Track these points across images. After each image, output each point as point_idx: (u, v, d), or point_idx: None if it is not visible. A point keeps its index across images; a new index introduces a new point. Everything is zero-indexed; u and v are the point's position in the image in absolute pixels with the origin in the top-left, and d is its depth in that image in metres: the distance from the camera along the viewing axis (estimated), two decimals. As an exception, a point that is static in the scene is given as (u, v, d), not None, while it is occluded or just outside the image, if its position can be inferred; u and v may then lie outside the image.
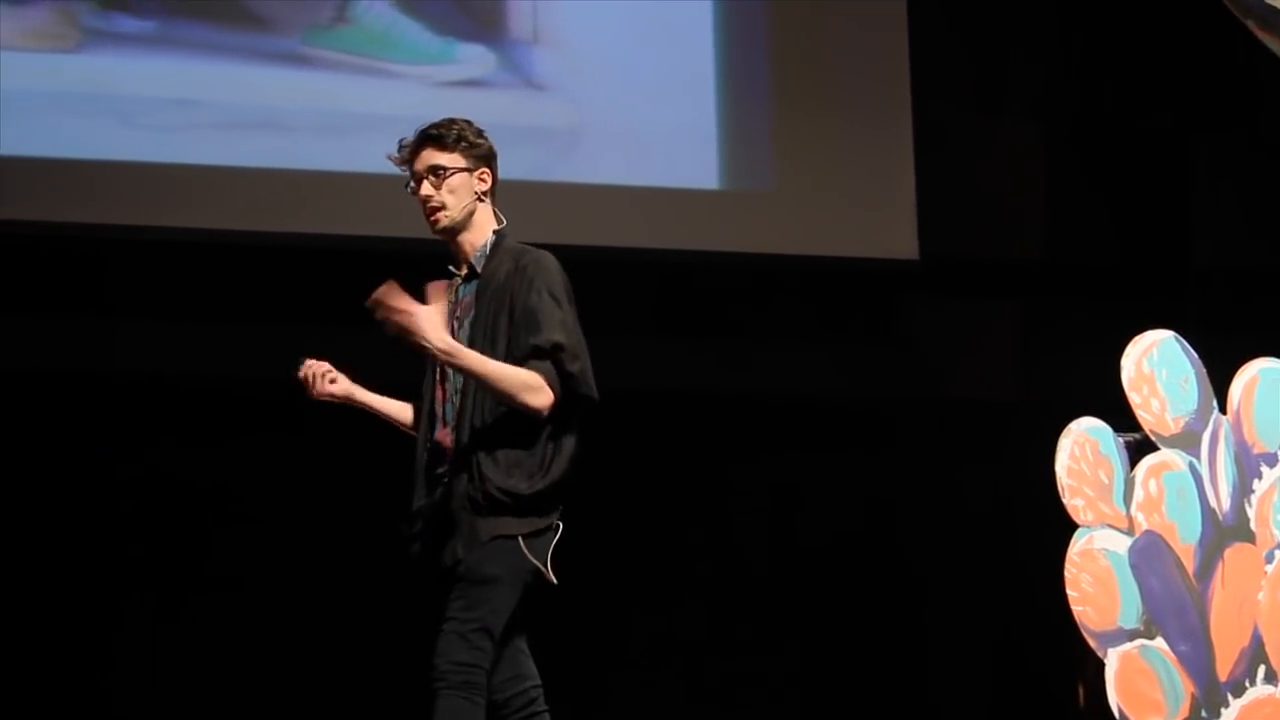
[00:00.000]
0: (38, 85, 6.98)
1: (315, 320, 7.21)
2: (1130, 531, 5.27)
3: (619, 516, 7.45)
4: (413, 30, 7.37)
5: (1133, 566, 5.25)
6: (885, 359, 7.80)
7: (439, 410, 4.75)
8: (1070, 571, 5.22)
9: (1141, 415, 5.37)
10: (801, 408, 7.56)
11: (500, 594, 4.56)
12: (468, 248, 4.82)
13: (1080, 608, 5.21)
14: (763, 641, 7.54)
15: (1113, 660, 5.20)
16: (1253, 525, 5.39)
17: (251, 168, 7.16)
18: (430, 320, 4.58)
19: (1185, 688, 5.25)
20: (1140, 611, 5.23)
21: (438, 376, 4.77)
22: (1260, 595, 5.35)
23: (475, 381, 4.63)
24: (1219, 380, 5.49)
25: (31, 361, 7.01)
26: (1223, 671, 5.29)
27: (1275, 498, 5.40)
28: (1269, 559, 5.38)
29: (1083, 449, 5.30)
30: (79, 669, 7.02)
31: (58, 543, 7.04)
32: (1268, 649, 5.33)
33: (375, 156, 7.15)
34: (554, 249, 7.23)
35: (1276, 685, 5.32)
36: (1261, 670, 5.32)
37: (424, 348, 4.58)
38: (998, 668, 7.67)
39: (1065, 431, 5.32)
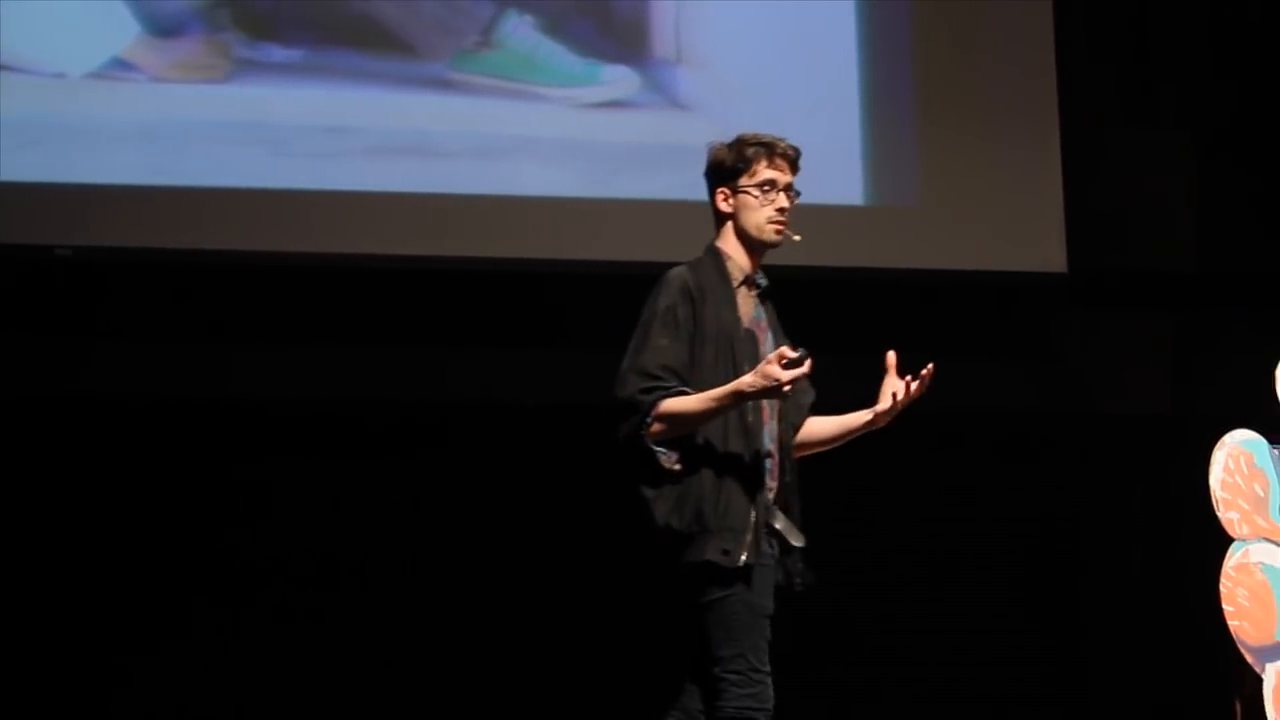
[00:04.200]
0: (189, 115, 7.10)
1: (463, 342, 7.31)
2: (1287, 544, 5.20)
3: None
4: (557, 53, 7.43)
5: (1290, 580, 5.18)
6: (1036, 374, 7.74)
7: (762, 429, 4.71)
8: (1226, 586, 5.16)
9: (1296, 427, 5.30)
10: (950, 424, 7.51)
11: None
12: (756, 267, 4.85)
13: (1236, 622, 5.14)
14: (910, 647, 7.51)
15: (1270, 676, 5.12)
16: None
17: (401, 192, 7.25)
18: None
19: (1346, 704, 5.16)
20: (1299, 626, 5.16)
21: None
22: None
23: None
24: (1377, 390, 5.39)
25: (176, 389, 7.16)
26: (1384, 687, 5.20)
27: None
28: None
29: (1237, 462, 5.23)
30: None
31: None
32: None
33: (522, 178, 7.33)
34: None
35: None
36: None
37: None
38: (1155, 684, 7.57)
39: (1219, 444, 5.26)
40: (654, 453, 4.54)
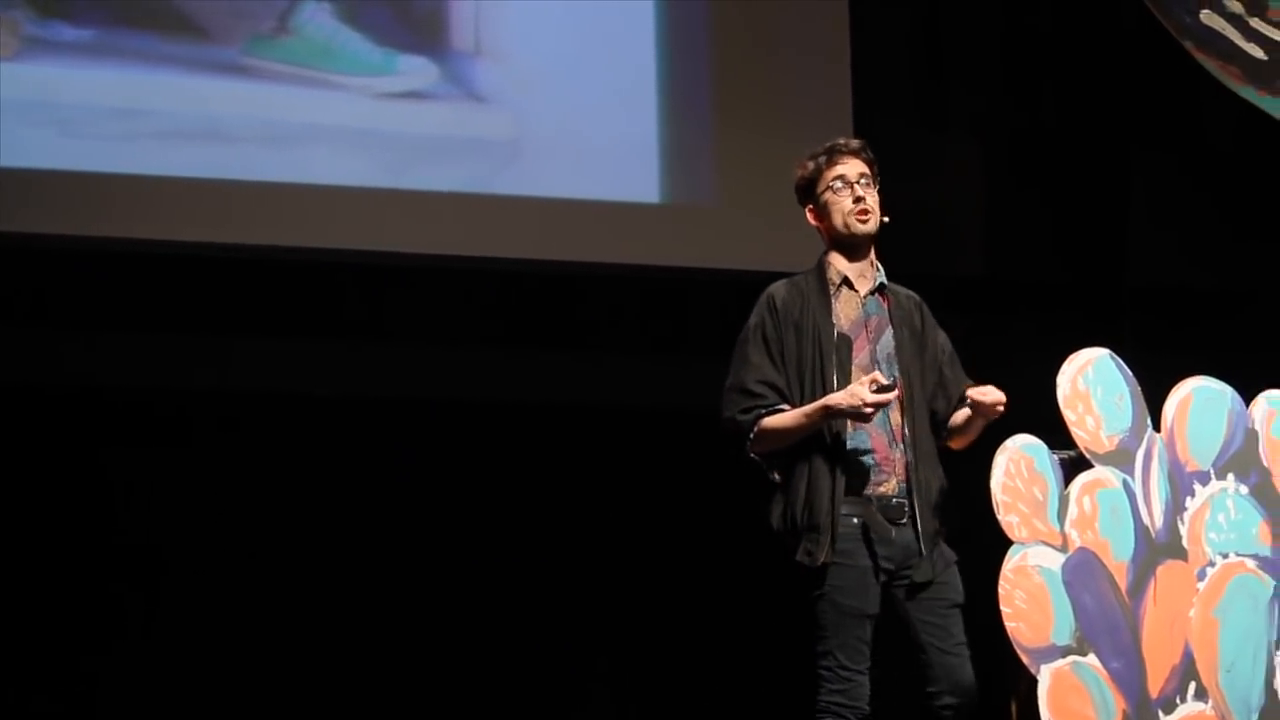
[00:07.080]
0: (-26, 93, 6.95)
1: (255, 331, 7.23)
2: (1064, 548, 5.29)
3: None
4: (354, 41, 7.36)
5: (1066, 583, 5.26)
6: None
7: (858, 429, 4.95)
8: (1004, 588, 5.23)
9: (1076, 433, 5.38)
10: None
11: None
12: (868, 261, 5.07)
13: (1014, 624, 5.22)
14: (677, 646, 7.56)
15: (1045, 677, 5.20)
16: (1185, 543, 5.42)
17: (192, 178, 7.14)
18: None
19: (1117, 704, 5.26)
20: (1073, 628, 5.24)
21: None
22: (1191, 613, 5.37)
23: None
24: (1153, 398, 5.51)
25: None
26: (1154, 688, 5.31)
27: (1207, 515, 5.43)
28: (1200, 576, 5.40)
29: (1018, 466, 5.31)
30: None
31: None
32: (1198, 666, 5.35)
33: (316, 167, 7.25)
34: (494, 262, 7.34)
35: (1207, 702, 5.34)
36: (1192, 687, 5.34)
37: None
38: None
39: (1000, 449, 5.33)
40: (759, 464, 4.97)
